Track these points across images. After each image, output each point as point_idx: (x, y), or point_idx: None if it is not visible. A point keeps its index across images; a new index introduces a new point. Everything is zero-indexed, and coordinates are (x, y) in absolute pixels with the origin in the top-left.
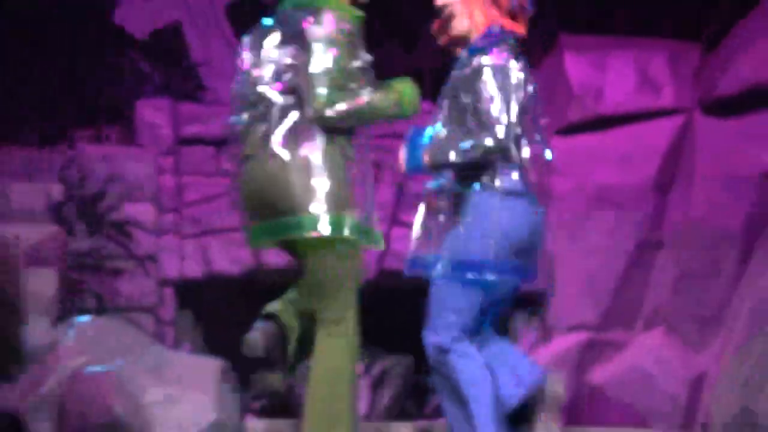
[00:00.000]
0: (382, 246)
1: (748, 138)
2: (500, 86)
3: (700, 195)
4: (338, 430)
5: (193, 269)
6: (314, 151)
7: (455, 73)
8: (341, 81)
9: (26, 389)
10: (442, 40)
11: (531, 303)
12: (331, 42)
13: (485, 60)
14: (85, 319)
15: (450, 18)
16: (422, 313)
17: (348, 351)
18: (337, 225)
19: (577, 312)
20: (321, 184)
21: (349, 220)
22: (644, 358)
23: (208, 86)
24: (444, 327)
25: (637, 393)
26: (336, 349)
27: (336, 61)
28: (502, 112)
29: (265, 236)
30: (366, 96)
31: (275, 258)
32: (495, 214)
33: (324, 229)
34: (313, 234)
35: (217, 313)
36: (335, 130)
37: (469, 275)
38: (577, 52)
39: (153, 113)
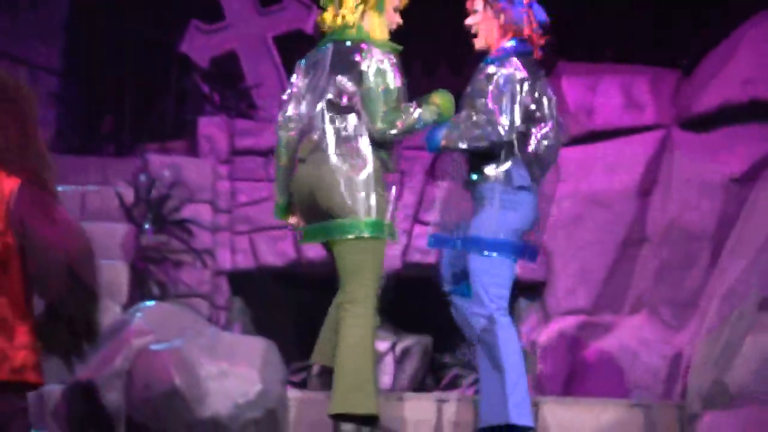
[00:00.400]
0: (398, 239)
1: (718, 149)
2: (506, 91)
3: (677, 198)
4: (363, 397)
5: (244, 261)
6: (361, 163)
7: (473, 80)
8: (393, 103)
9: (99, 364)
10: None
11: (532, 290)
12: (381, 70)
13: (496, 69)
14: (150, 304)
15: (474, 36)
16: (439, 299)
17: (369, 329)
18: (375, 228)
19: (572, 298)
20: (365, 192)
21: (385, 223)
22: (630, 338)
23: (259, 105)
24: (491, 300)
25: (623, 368)
26: (358, 328)
27: (387, 86)
28: (506, 112)
29: (314, 236)
30: (415, 113)
31: (314, 252)
32: (510, 205)
33: (366, 232)
34: (356, 236)
35: (263, 299)
36: (382, 145)
37: (494, 253)
38: (573, 76)
39: (211, 128)
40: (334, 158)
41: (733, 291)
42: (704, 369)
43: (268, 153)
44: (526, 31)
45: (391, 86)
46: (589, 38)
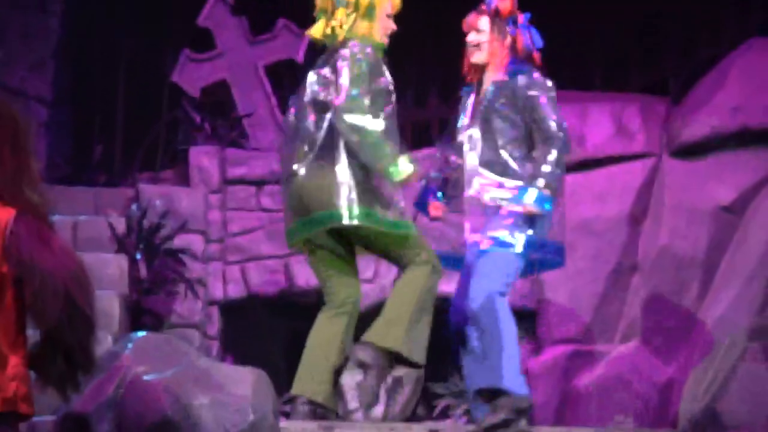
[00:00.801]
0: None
1: (708, 177)
2: (551, 95)
3: (668, 225)
4: (394, 330)
5: (236, 291)
6: (340, 160)
7: (497, 102)
8: (365, 90)
9: (91, 394)
10: (464, 66)
11: (524, 319)
12: (355, 58)
13: (527, 79)
14: (142, 334)
15: (475, 48)
16: (431, 328)
17: (430, 273)
18: (365, 215)
19: (564, 326)
20: (349, 184)
21: (375, 210)
22: (622, 366)
23: (250, 135)
24: (495, 285)
25: (615, 396)
26: (421, 271)
27: (360, 71)
28: (557, 113)
29: (309, 227)
30: (380, 130)
31: (305, 281)
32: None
33: (355, 217)
34: (350, 222)
35: (255, 328)
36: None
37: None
38: (562, 104)
39: (203, 158)
40: (318, 162)
41: (724, 318)
42: (695, 397)
43: (259, 182)
44: (533, 55)
45: (363, 72)
46: (579, 66)
